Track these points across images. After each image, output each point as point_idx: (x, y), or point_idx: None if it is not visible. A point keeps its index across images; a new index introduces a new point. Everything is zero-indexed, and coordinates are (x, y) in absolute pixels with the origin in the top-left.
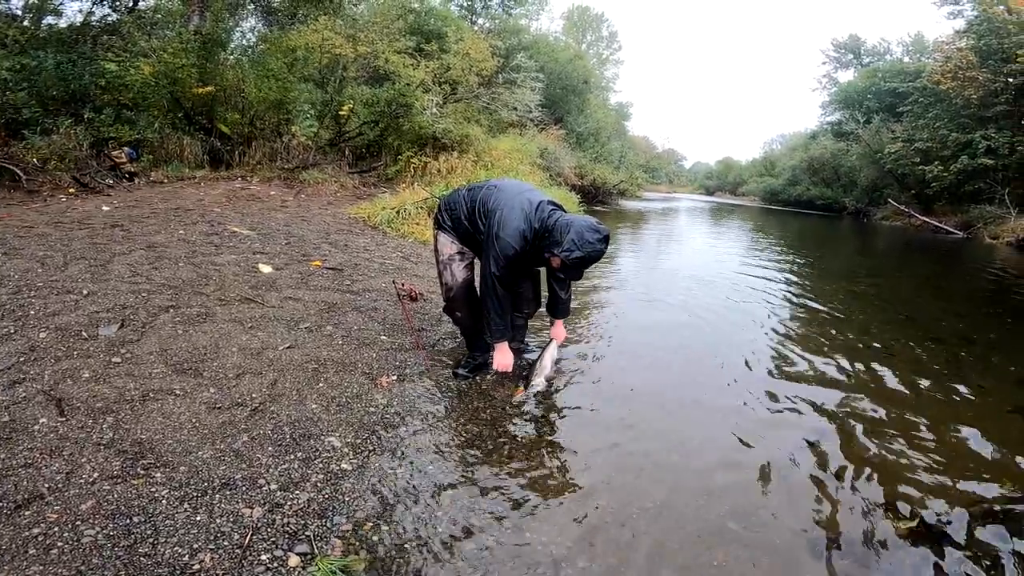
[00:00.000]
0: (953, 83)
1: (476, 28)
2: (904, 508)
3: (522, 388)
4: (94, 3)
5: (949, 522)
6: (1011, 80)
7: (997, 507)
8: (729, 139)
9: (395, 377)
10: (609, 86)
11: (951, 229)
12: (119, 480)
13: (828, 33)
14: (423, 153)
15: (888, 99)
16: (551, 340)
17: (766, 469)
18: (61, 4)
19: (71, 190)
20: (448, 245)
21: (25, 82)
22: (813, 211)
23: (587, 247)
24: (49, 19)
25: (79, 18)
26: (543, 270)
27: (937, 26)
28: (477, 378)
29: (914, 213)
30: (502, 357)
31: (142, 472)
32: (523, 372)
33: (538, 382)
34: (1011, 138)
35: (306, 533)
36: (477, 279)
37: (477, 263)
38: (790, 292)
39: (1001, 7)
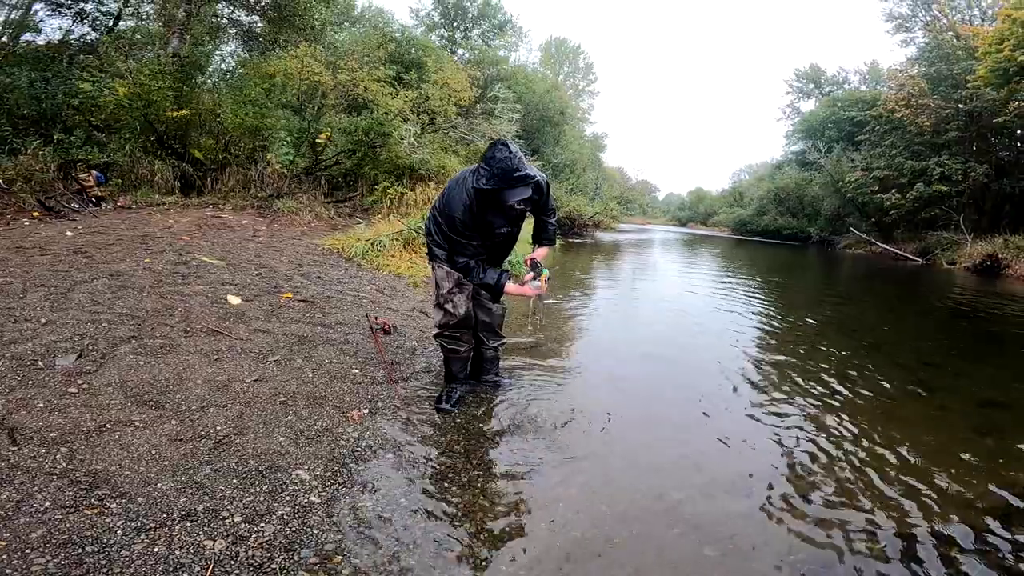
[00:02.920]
0: (907, 111)
1: (456, 58)
2: (877, 529)
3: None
4: (74, 21)
5: (921, 543)
6: (961, 106)
7: (968, 526)
8: (701, 169)
9: (367, 410)
10: (585, 117)
11: (910, 256)
12: (72, 510)
13: (792, 63)
14: (400, 183)
15: (848, 128)
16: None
17: (740, 496)
18: (41, 21)
19: (35, 213)
20: (446, 279)
21: None
22: (781, 240)
23: (493, 164)
24: (28, 36)
25: (59, 36)
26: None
27: (891, 54)
28: (455, 410)
29: (875, 241)
30: (522, 287)
31: (96, 502)
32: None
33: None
34: (964, 164)
35: (272, 566)
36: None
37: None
38: (759, 321)
39: (950, 33)
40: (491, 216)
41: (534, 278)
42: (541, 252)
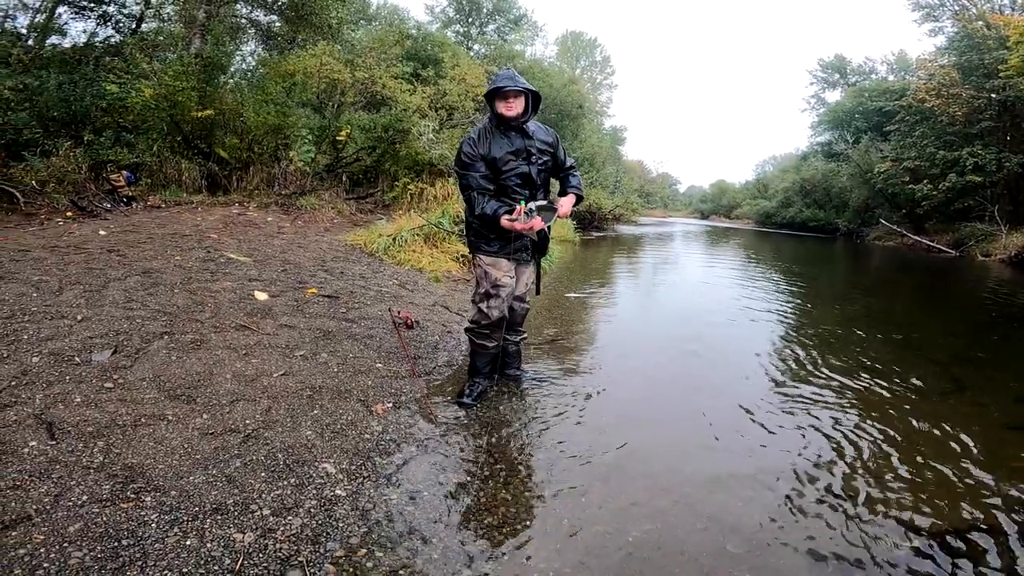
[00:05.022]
0: (937, 100)
1: (472, 54)
2: (907, 527)
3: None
4: (98, 24)
5: (953, 540)
6: (994, 96)
7: (1002, 524)
8: (722, 161)
9: (391, 404)
10: (603, 110)
11: (943, 248)
12: (108, 503)
13: (815, 53)
14: (420, 179)
15: (876, 118)
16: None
17: (766, 491)
18: (66, 24)
19: (69, 213)
20: (484, 280)
21: (27, 102)
22: (807, 233)
23: (499, 74)
24: (53, 39)
25: (83, 38)
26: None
27: (919, 44)
28: (477, 405)
29: (906, 233)
30: (514, 224)
31: (132, 496)
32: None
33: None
34: (998, 154)
35: (299, 559)
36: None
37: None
38: (787, 315)
39: (980, 22)
40: (497, 148)
41: (519, 212)
42: (567, 200)
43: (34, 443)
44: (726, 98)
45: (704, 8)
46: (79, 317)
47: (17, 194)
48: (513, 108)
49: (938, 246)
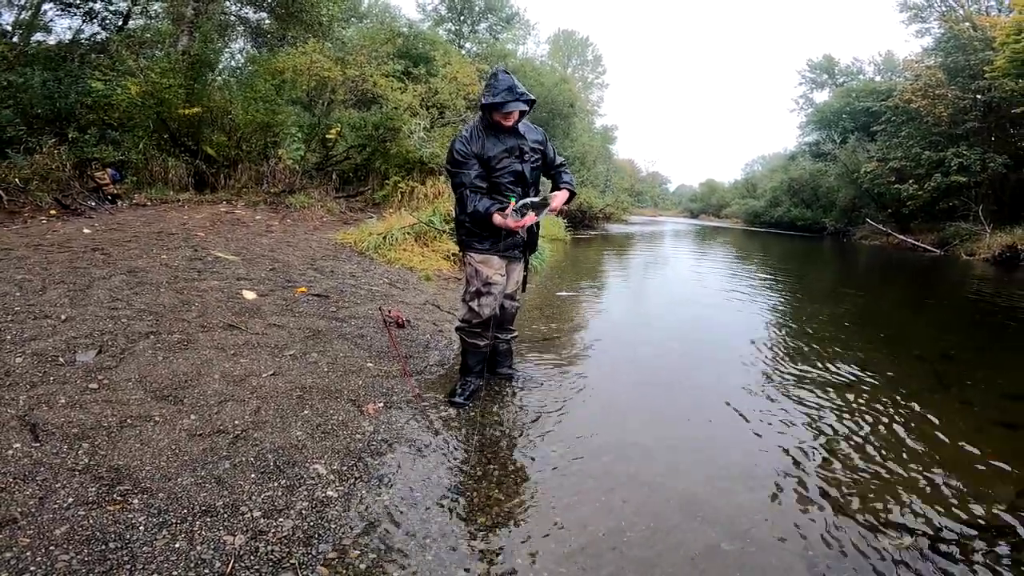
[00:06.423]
0: (924, 101)
1: (464, 52)
2: (898, 525)
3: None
4: (84, 21)
5: (944, 538)
6: (979, 96)
7: (990, 521)
8: (712, 161)
9: (382, 404)
10: (594, 110)
11: (928, 247)
12: (94, 506)
13: (804, 54)
14: (410, 178)
15: (863, 118)
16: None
17: (758, 490)
18: (51, 21)
19: (53, 212)
20: (475, 278)
21: (11, 99)
22: (795, 232)
23: (497, 82)
24: (38, 36)
25: (69, 35)
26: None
27: (906, 45)
28: (469, 404)
29: (892, 232)
30: (506, 221)
31: (119, 498)
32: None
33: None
34: (982, 155)
35: (291, 561)
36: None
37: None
38: (774, 312)
39: (966, 24)
40: (490, 147)
41: (513, 210)
42: (560, 194)
43: (18, 445)
44: (716, 98)
45: (695, 9)
46: (63, 317)
47: (0, 192)
48: (512, 119)
49: (923, 245)
